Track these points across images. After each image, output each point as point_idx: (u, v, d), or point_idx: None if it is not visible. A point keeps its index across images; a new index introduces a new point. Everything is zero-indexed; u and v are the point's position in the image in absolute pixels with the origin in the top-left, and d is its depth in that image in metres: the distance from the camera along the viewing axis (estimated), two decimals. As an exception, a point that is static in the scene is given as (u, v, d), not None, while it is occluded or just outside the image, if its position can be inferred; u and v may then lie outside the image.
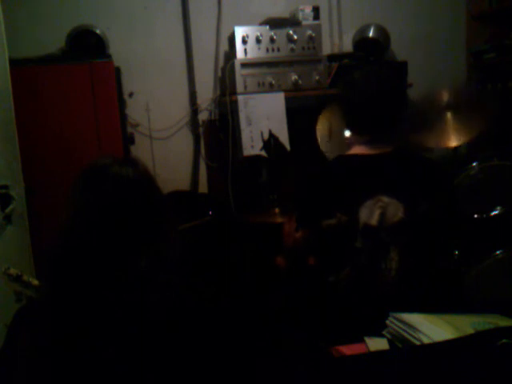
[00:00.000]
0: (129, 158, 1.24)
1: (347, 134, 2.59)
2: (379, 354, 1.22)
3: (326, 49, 3.13)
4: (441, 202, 1.67)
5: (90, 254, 1.11)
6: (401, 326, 1.26)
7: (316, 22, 2.93)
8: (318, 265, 1.72)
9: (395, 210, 1.61)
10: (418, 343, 1.19)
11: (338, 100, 2.05)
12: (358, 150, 1.72)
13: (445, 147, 2.55)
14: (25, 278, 1.50)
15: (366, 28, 3.18)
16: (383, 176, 1.65)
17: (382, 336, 1.30)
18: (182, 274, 1.17)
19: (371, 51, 3.12)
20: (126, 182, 1.18)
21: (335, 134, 2.75)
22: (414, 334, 1.22)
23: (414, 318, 1.26)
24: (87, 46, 2.72)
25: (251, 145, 2.80)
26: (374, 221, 1.60)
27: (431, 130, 2.54)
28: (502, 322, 1.26)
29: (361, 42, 3.18)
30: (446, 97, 2.58)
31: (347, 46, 3.30)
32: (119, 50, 2.88)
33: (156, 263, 1.13)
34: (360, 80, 1.75)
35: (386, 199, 1.61)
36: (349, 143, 1.78)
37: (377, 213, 1.60)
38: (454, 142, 2.52)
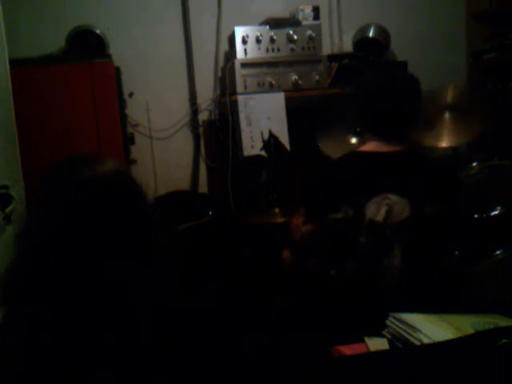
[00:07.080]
0: (97, 156, 1.16)
1: (354, 140, 2.59)
2: (379, 354, 1.22)
3: (326, 49, 3.13)
4: (448, 204, 1.67)
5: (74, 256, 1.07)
6: (401, 326, 1.26)
7: (316, 21, 2.93)
8: (322, 259, 1.72)
9: (402, 209, 1.61)
10: (418, 343, 1.19)
11: (350, 98, 2.04)
12: (369, 147, 1.73)
13: (444, 147, 2.55)
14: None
15: (366, 28, 3.18)
16: (392, 174, 1.65)
17: (382, 336, 1.30)
18: (178, 274, 1.16)
19: (371, 51, 3.12)
20: (98, 182, 1.10)
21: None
22: (414, 334, 1.22)
23: (414, 318, 1.26)
24: (87, 45, 2.72)
25: (251, 145, 2.80)
26: (379, 217, 1.61)
27: (431, 130, 2.54)
28: (502, 322, 1.26)
29: (361, 42, 3.18)
30: (446, 97, 2.58)
31: (347, 46, 3.30)
32: (119, 50, 2.88)
33: (150, 262, 1.12)
34: (375, 79, 1.76)
35: (393, 197, 1.61)
36: (361, 140, 1.79)
37: (383, 210, 1.61)
38: (453, 142, 2.52)
